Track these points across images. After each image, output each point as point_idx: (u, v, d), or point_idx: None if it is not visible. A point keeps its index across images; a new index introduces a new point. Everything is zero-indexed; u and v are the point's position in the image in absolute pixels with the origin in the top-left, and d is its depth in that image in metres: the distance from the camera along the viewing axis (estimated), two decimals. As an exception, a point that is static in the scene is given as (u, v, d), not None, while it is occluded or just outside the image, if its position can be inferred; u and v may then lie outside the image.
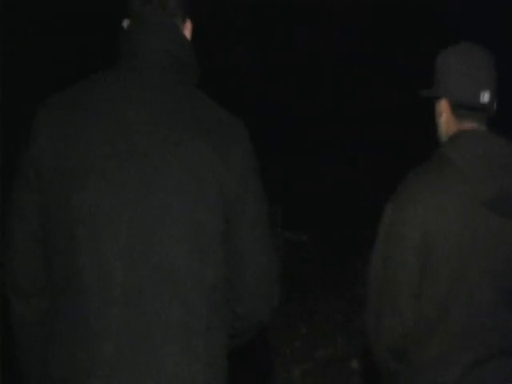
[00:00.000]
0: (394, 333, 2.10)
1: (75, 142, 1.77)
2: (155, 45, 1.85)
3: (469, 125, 2.16)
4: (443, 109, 2.20)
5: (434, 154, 2.18)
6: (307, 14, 11.94)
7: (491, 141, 2.12)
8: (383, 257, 2.10)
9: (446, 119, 2.20)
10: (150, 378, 1.77)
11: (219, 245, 1.81)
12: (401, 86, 9.39)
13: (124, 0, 1.93)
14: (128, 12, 1.91)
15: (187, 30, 1.95)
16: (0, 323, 2.73)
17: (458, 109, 2.16)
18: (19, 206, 1.84)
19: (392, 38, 10.26)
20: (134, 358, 1.76)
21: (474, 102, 2.13)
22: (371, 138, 8.88)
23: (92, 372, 1.76)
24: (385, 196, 2.22)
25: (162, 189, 1.76)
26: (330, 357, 5.14)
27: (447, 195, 2.06)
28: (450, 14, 9.52)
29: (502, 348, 2.11)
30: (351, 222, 7.27)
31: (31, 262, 1.85)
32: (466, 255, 2.06)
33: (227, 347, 1.91)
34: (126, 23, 1.92)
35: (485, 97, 2.13)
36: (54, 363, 1.81)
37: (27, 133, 1.83)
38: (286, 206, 6.29)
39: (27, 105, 2.97)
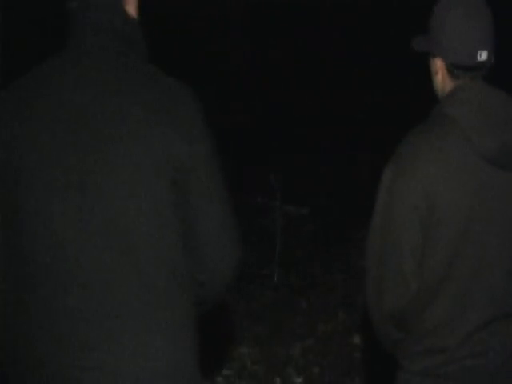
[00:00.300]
0: (399, 303, 2.05)
1: (20, 133, 1.81)
2: (97, 22, 1.87)
3: (465, 81, 2.10)
4: (438, 67, 2.14)
5: (432, 113, 2.12)
6: (307, 13, 11.81)
7: (489, 94, 2.08)
8: (383, 223, 2.05)
9: (441, 78, 2.15)
10: (112, 355, 1.80)
11: (173, 214, 1.82)
12: (401, 86, 9.41)
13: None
14: None
15: (131, 5, 1.95)
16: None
17: (454, 68, 2.11)
18: None
19: (393, 38, 10.13)
20: (95, 336, 1.79)
21: (470, 62, 2.07)
22: (371, 138, 8.81)
23: (51, 351, 1.80)
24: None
25: (113, 164, 1.79)
26: (331, 332, 5.05)
27: (449, 155, 2.02)
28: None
29: (508, 310, 2.08)
30: (352, 195, 7.16)
31: None
32: (471, 215, 2.01)
33: (193, 319, 1.91)
34: (74, 4, 1.93)
35: (482, 56, 2.07)
36: (17, 345, 1.85)
37: None
38: (286, 177, 6.15)
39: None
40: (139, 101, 1.82)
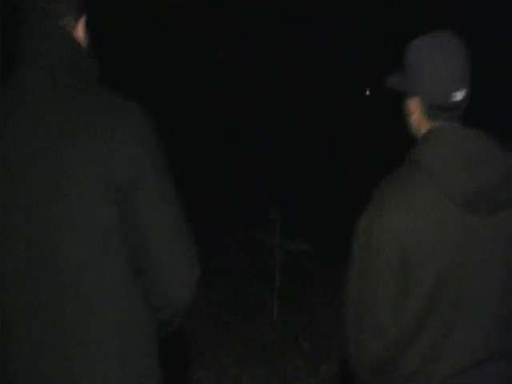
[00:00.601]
0: (377, 352, 2.04)
1: None
2: (42, 51, 1.87)
3: (440, 123, 2.08)
4: (414, 108, 2.11)
5: (406, 159, 2.08)
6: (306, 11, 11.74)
7: (465, 137, 2.04)
8: (360, 275, 2.03)
9: (417, 119, 2.12)
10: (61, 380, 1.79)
11: (117, 238, 1.79)
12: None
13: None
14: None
15: (80, 29, 1.97)
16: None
17: (429, 108, 2.07)
18: None
19: (395, 38, 10.07)
20: (44, 370, 1.79)
21: (446, 102, 2.04)
22: (371, 144, 8.72)
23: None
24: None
25: (53, 188, 1.78)
26: (334, 374, 4.84)
27: (421, 203, 1.98)
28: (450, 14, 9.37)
29: (489, 353, 2.04)
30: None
31: None
32: (446, 261, 1.99)
33: (150, 341, 1.88)
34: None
35: (458, 96, 2.04)
36: None
37: None
38: (285, 211, 6.01)
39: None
40: (80, 122, 1.81)
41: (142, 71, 10.53)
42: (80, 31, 1.98)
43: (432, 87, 2.03)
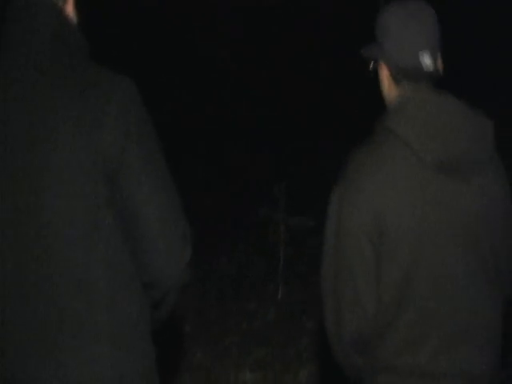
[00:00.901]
0: (358, 327, 2.01)
1: None
2: (31, 26, 1.85)
3: (410, 88, 2.05)
4: (383, 74, 2.10)
5: (375, 126, 2.07)
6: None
7: (436, 102, 2.02)
8: (335, 248, 2.01)
9: (387, 85, 2.11)
10: (54, 364, 1.77)
11: (108, 213, 1.78)
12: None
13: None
14: None
15: (70, 5, 1.95)
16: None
17: (397, 73, 2.06)
18: None
19: None
20: (35, 346, 1.77)
21: (413, 65, 2.02)
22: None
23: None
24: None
25: (43, 164, 1.76)
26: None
27: (391, 170, 1.97)
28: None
29: (472, 323, 2.02)
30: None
31: None
32: (422, 227, 1.97)
33: (147, 323, 1.86)
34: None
35: (425, 59, 2.01)
36: None
37: None
38: (290, 187, 5.87)
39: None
40: (68, 96, 1.79)
41: (141, 71, 10.49)
42: (70, 7, 1.95)
43: (398, 50, 2.03)
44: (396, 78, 2.07)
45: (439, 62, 2.08)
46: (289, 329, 5.12)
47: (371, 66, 2.14)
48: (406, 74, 2.05)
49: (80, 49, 1.91)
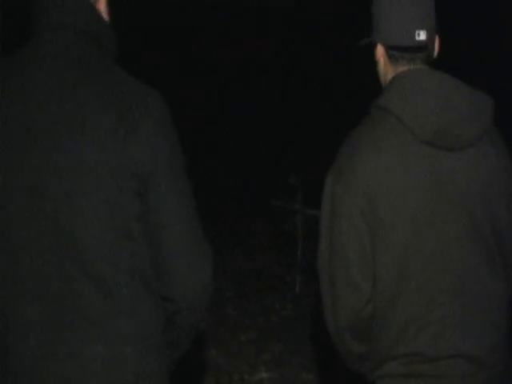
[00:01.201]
0: (353, 309, 1.99)
1: None
2: (61, 20, 1.82)
3: (405, 67, 2.07)
4: (379, 54, 2.12)
5: (371, 108, 2.07)
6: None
7: (430, 78, 2.03)
8: (330, 231, 1.99)
9: (382, 65, 2.12)
10: (73, 367, 1.77)
11: (134, 223, 1.79)
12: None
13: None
14: None
15: (103, 2, 1.91)
16: None
17: (393, 51, 2.07)
18: None
19: None
20: (54, 348, 1.77)
21: (408, 42, 2.04)
22: None
23: (11, 368, 1.78)
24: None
25: (70, 171, 1.75)
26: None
27: (386, 149, 1.96)
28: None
29: (473, 301, 2.00)
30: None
31: None
32: (417, 205, 1.95)
33: (161, 330, 1.88)
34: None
35: (420, 35, 2.02)
36: None
37: None
38: (307, 178, 5.66)
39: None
40: (100, 104, 1.77)
41: (139, 71, 10.55)
42: (102, 4, 1.91)
43: (394, 28, 2.05)
44: (392, 57, 2.08)
45: (436, 42, 2.09)
46: (307, 324, 4.97)
47: (363, 42, 2.16)
48: (402, 52, 2.05)
49: (109, 50, 1.88)
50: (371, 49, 2.15)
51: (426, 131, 1.95)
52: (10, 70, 1.81)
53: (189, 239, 1.85)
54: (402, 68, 2.06)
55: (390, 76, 2.09)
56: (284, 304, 5.29)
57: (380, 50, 2.11)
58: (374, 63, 2.15)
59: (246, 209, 7.09)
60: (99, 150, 1.74)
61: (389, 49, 2.07)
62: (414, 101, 1.98)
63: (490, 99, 2.05)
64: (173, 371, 1.98)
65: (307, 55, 11.44)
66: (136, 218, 1.79)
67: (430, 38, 2.05)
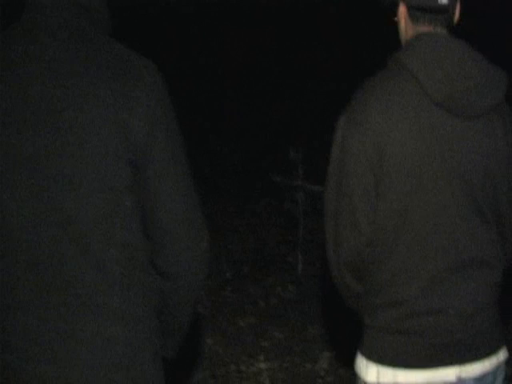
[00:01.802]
0: (353, 248, 2.09)
1: None
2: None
3: (426, 28, 2.13)
4: (401, 14, 2.18)
5: (388, 61, 2.14)
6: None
7: (447, 43, 2.09)
8: (338, 173, 2.09)
9: (403, 24, 2.18)
10: (66, 345, 1.79)
11: (128, 198, 1.80)
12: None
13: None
14: None
15: None
16: None
17: (415, 11, 2.13)
18: None
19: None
20: (49, 328, 1.79)
21: (430, 2, 2.11)
22: None
23: (6, 344, 1.80)
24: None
25: (66, 145, 1.76)
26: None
27: (399, 101, 2.04)
28: None
29: (466, 259, 2.08)
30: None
31: None
32: (423, 160, 2.03)
33: (154, 310, 1.90)
34: None
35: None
36: None
37: None
38: (308, 153, 5.56)
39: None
40: (98, 77, 1.79)
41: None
42: None
43: None
44: (413, 17, 2.13)
45: (457, 8, 2.14)
46: (310, 307, 4.75)
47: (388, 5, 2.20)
48: (423, 12, 2.11)
49: (106, 25, 1.90)
50: (392, 9, 2.20)
51: (438, 93, 2.02)
52: (5, 45, 1.81)
53: (186, 210, 1.86)
54: (423, 29, 2.12)
55: (410, 34, 2.15)
56: (285, 286, 5.07)
57: (402, 10, 2.16)
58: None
59: (246, 186, 6.90)
60: (97, 123, 1.75)
61: (410, 9, 2.13)
62: (430, 62, 2.05)
63: (505, 75, 2.11)
64: (167, 361, 1.97)
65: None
66: (129, 190, 1.80)
67: (452, 2, 2.11)
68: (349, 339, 4.30)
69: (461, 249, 2.07)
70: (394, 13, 2.20)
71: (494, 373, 2.15)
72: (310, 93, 9.52)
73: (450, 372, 2.09)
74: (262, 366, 4.01)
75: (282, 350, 4.21)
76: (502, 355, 2.16)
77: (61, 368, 1.80)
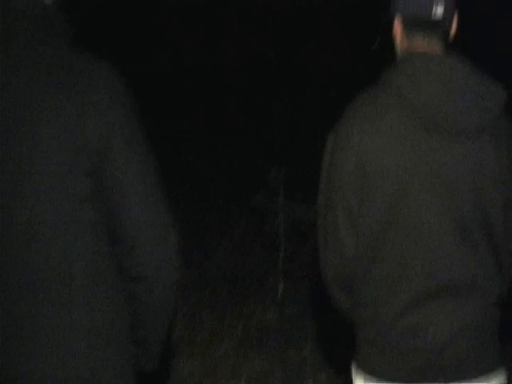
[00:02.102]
0: (338, 262, 2.14)
1: None
2: (11, 7, 1.83)
3: (420, 43, 2.14)
4: (397, 28, 2.19)
5: (379, 77, 2.16)
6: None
7: (439, 62, 2.08)
8: (326, 187, 2.15)
9: (399, 38, 2.19)
10: (28, 359, 1.80)
11: (89, 208, 1.80)
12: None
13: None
14: None
15: None
16: None
17: (409, 25, 2.15)
18: None
19: None
20: (12, 341, 1.79)
21: (425, 14, 2.11)
22: None
23: None
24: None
25: (23, 155, 1.77)
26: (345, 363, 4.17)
27: (384, 119, 2.06)
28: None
29: (449, 281, 2.07)
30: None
31: None
32: (404, 179, 2.06)
33: (124, 320, 1.89)
34: None
35: (438, 10, 2.09)
36: None
37: None
38: (289, 173, 5.53)
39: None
40: (50, 84, 1.79)
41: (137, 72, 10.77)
42: None
43: (410, 0, 2.12)
44: (408, 28, 2.14)
45: (454, 18, 2.14)
46: (290, 332, 4.64)
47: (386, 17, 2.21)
48: (418, 23, 2.12)
49: (62, 32, 1.89)
50: (387, 27, 2.22)
51: (426, 112, 2.03)
52: None
53: (151, 211, 1.86)
54: (417, 43, 2.13)
55: (404, 50, 2.17)
56: (265, 310, 4.97)
57: (397, 24, 2.17)
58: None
59: (225, 206, 6.84)
60: (54, 135, 1.75)
61: (405, 22, 2.14)
62: (420, 80, 2.05)
63: (502, 91, 2.09)
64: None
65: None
66: (90, 200, 1.80)
67: (449, 14, 2.11)
68: (334, 364, 4.20)
69: (443, 270, 2.07)
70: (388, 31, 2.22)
71: None
72: (297, 112, 9.63)
73: None
74: (243, 391, 3.90)
75: (262, 376, 4.10)
76: (495, 378, 2.12)
77: (21, 380, 1.81)
